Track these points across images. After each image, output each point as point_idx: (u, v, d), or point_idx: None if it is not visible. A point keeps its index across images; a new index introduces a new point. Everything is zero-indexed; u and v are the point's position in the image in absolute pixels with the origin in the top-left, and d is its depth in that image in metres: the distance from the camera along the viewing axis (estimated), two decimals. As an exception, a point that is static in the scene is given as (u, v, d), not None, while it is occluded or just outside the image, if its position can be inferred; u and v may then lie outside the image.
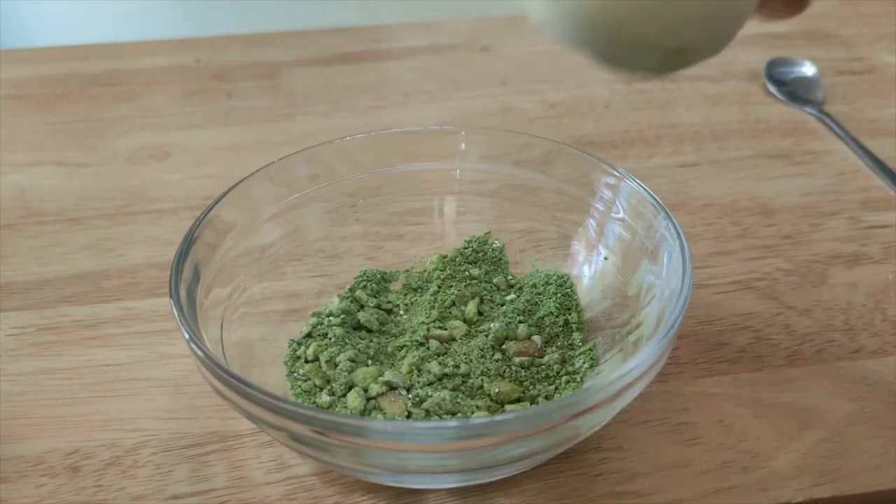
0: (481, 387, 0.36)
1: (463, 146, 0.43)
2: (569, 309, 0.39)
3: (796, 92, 0.62)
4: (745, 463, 0.35)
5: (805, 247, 0.47)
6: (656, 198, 0.37)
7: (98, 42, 0.72)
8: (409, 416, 0.34)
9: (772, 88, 0.63)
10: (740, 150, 0.56)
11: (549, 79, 0.65)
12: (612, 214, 0.40)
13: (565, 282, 0.41)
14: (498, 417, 0.28)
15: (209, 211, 0.37)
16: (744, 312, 0.42)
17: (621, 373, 0.30)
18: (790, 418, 0.37)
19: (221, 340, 0.35)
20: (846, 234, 0.48)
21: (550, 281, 0.41)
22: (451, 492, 0.34)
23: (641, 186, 0.38)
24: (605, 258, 0.40)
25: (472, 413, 0.35)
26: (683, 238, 0.35)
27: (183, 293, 0.33)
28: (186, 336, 0.31)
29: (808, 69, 0.64)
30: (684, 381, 0.39)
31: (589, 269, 0.41)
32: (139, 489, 0.34)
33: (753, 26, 0.71)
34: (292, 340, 0.39)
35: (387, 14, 0.80)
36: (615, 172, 0.39)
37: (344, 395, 0.36)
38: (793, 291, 0.44)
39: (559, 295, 0.40)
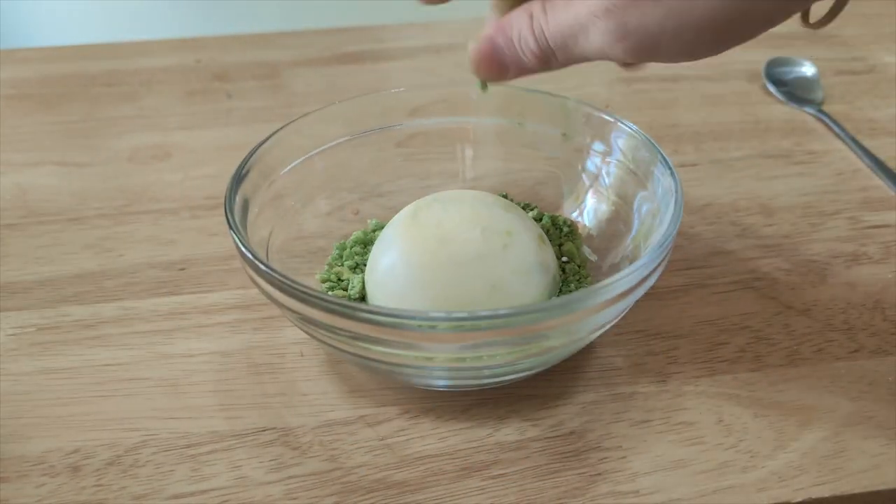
0: None
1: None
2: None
3: (796, 92, 0.62)
4: (745, 462, 0.35)
5: (804, 246, 0.47)
6: (647, 135, 0.41)
7: (99, 42, 0.72)
8: None
9: (771, 88, 0.63)
10: (740, 149, 0.56)
11: (548, 79, 0.65)
12: (611, 157, 0.43)
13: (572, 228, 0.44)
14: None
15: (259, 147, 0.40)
16: (743, 312, 0.42)
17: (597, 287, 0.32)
18: (790, 418, 0.37)
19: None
20: (845, 233, 0.48)
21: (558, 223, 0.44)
22: (449, 486, 0.34)
23: (634, 129, 0.41)
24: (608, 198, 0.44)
25: None
26: (671, 164, 0.38)
27: (237, 214, 0.37)
28: (241, 246, 0.35)
29: (808, 69, 0.64)
30: (684, 380, 0.39)
31: (596, 212, 0.44)
32: (139, 489, 0.34)
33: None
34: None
35: (387, 14, 0.80)
36: (609, 119, 0.43)
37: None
38: (792, 291, 0.44)
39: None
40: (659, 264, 0.35)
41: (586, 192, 0.44)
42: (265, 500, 0.34)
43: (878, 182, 0.52)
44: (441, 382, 0.37)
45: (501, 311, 0.31)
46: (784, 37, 0.70)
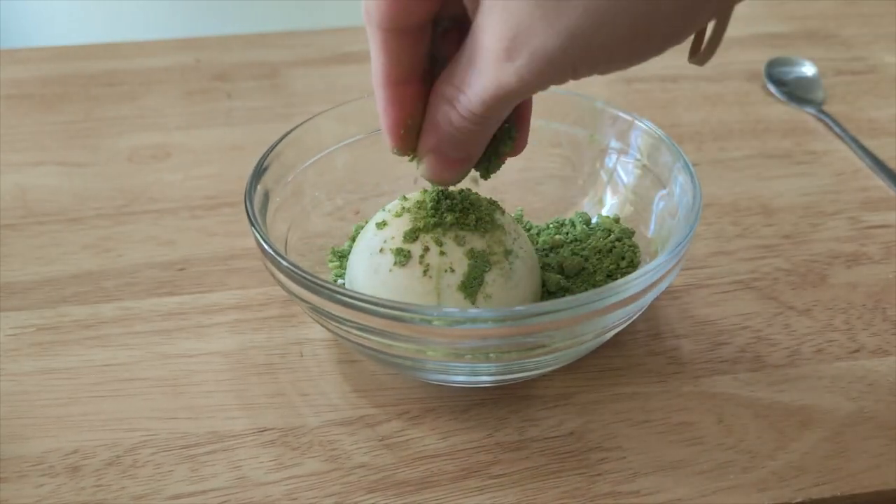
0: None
1: None
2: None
3: (796, 92, 0.62)
4: (745, 463, 0.35)
5: (805, 247, 0.47)
6: (665, 134, 0.41)
7: (98, 42, 0.72)
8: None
9: (772, 88, 0.63)
10: (740, 149, 0.56)
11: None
12: (629, 156, 0.43)
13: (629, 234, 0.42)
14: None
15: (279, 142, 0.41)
16: (744, 312, 0.42)
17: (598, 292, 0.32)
18: (790, 418, 0.37)
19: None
20: (846, 234, 0.48)
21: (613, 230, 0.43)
22: (448, 486, 0.34)
23: (651, 127, 0.42)
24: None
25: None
26: (688, 162, 0.39)
27: (257, 207, 0.38)
28: (259, 237, 0.35)
29: (808, 69, 0.64)
30: (684, 380, 0.39)
31: (613, 210, 0.44)
32: (139, 489, 0.34)
33: (752, 26, 0.71)
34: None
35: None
36: (627, 117, 0.43)
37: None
38: (793, 291, 0.44)
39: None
40: (673, 267, 0.35)
41: (604, 191, 0.44)
42: (265, 501, 0.34)
43: (879, 182, 0.52)
44: (460, 378, 0.37)
45: (518, 309, 0.32)
46: (784, 37, 0.70)
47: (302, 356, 0.40)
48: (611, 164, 0.44)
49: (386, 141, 0.34)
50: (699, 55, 0.30)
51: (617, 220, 0.43)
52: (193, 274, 0.46)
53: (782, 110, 0.60)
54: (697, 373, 0.39)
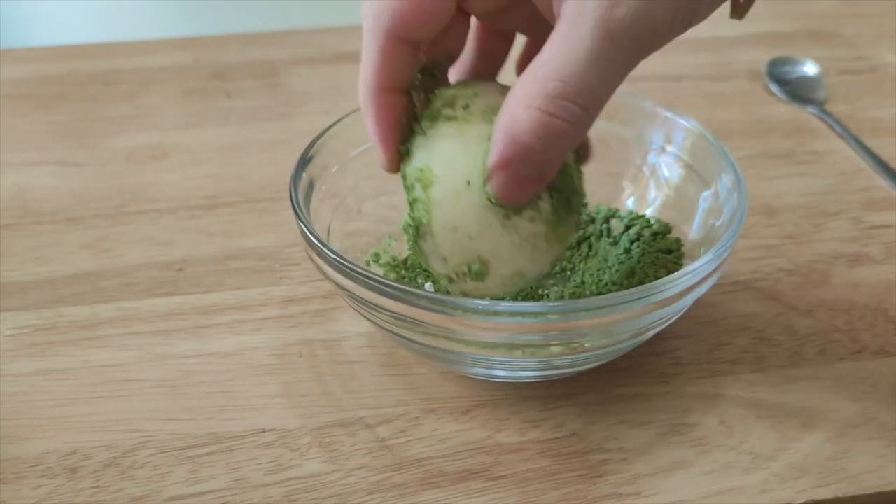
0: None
1: None
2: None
3: (798, 91, 0.62)
4: (747, 464, 0.35)
5: (807, 247, 0.47)
6: (709, 133, 0.41)
7: (97, 41, 0.72)
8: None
9: (773, 88, 0.62)
10: (742, 149, 0.56)
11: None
12: (670, 154, 0.43)
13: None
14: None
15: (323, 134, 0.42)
16: (745, 313, 0.42)
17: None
18: (792, 419, 0.37)
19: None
20: (848, 234, 0.48)
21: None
22: (449, 488, 0.34)
23: (695, 125, 0.42)
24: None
25: None
26: (734, 160, 0.39)
27: (301, 197, 0.38)
28: (304, 227, 0.35)
29: (810, 69, 0.64)
30: (686, 381, 0.39)
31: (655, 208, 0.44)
32: (137, 490, 0.34)
33: (754, 25, 0.70)
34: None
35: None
36: (669, 115, 0.43)
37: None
38: (795, 292, 0.44)
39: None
40: (714, 270, 0.34)
41: (647, 188, 0.44)
42: (264, 502, 0.34)
43: (881, 182, 0.52)
44: (499, 373, 0.37)
45: (550, 305, 0.33)
46: (786, 36, 0.70)
47: (301, 357, 0.40)
48: (654, 162, 0.44)
49: (379, 154, 0.33)
50: (739, 8, 0.30)
51: (668, 230, 0.42)
52: (192, 274, 0.45)
53: (784, 110, 0.60)
54: (699, 373, 0.39)
